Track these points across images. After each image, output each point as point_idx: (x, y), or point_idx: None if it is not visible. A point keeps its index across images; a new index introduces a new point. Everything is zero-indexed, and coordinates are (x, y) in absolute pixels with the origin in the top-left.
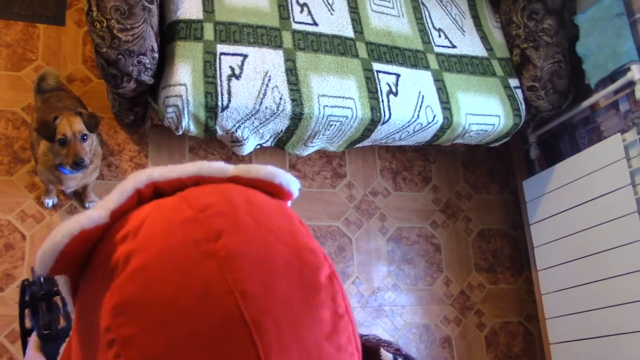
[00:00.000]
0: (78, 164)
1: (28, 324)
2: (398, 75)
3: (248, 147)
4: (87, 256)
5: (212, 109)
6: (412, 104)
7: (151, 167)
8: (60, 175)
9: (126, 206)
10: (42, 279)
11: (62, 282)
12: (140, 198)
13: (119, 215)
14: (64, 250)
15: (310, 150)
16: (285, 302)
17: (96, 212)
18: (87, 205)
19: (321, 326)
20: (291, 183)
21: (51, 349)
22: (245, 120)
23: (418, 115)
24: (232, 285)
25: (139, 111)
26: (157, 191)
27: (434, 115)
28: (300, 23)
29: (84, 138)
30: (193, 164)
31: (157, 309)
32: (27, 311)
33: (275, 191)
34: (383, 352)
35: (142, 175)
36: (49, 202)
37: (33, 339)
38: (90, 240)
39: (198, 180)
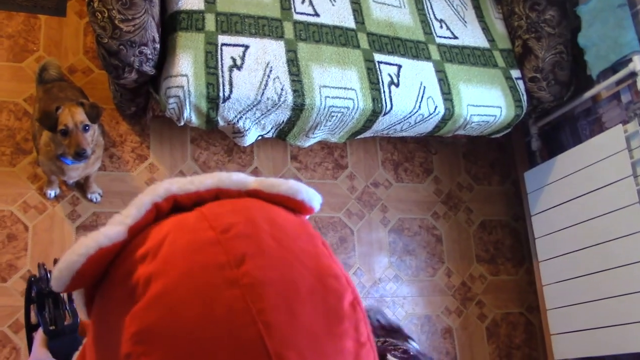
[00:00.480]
0: (80, 155)
1: (34, 319)
2: (399, 66)
3: (250, 138)
4: (105, 270)
5: (214, 100)
6: (414, 95)
7: (168, 178)
8: (63, 166)
9: (144, 221)
10: (48, 275)
11: (77, 293)
12: (159, 212)
13: (137, 230)
14: (81, 269)
15: (311, 141)
16: (309, 333)
17: (114, 229)
18: (89, 196)
19: (344, 356)
20: (313, 199)
21: (57, 345)
22: (247, 111)
23: (419, 107)
24: (256, 315)
25: (141, 102)
26: (176, 204)
27: (436, 106)
28: (302, 14)
29: (85, 128)
30: (212, 175)
31: (178, 338)
32: (32, 307)
33: (296, 207)
34: (390, 358)
35: (160, 189)
36: (52, 193)
37: (39, 335)
38: (107, 258)
39: (217, 194)
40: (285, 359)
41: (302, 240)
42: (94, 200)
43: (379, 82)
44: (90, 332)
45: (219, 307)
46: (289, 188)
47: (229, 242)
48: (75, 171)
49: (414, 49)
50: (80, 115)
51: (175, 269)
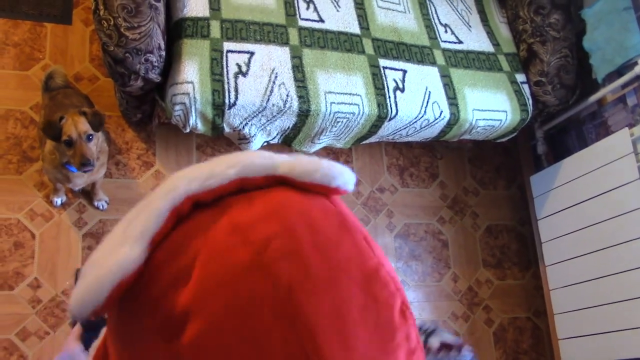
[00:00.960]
0: (85, 165)
1: None
2: (405, 71)
3: (255, 145)
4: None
5: (220, 107)
6: (419, 100)
7: (183, 170)
8: (68, 173)
9: (164, 229)
10: None
11: None
12: (179, 215)
13: (158, 242)
14: (104, 305)
15: (317, 147)
16: (364, 358)
17: (134, 252)
18: (96, 204)
19: None
20: (348, 182)
21: (91, 337)
22: (253, 118)
23: (425, 111)
24: (312, 354)
25: (147, 109)
26: (196, 199)
27: (441, 111)
28: (307, 20)
29: (89, 138)
30: (234, 161)
31: None
32: None
33: (330, 192)
34: None
35: (178, 190)
36: (58, 200)
37: (76, 328)
38: (130, 283)
39: (241, 183)
40: None
41: (345, 244)
42: (101, 207)
43: (384, 87)
44: (114, 348)
45: (271, 351)
46: (324, 175)
47: (271, 267)
48: (80, 178)
49: (419, 54)
50: (84, 125)
51: (215, 304)
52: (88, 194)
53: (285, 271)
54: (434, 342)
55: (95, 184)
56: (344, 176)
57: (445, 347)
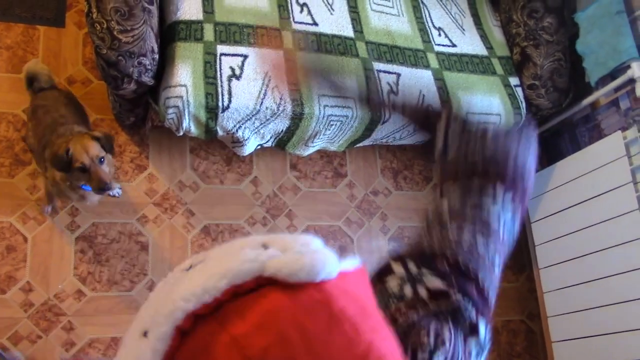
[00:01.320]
0: (103, 189)
1: None
2: (398, 75)
3: (249, 148)
4: None
5: (213, 110)
6: (413, 104)
7: (180, 287)
8: (85, 193)
9: (172, 349)
10: None
11: None
12: (182, 331)
13: None
14: None
15: (311, 150)
16: None
17: None
18: (111, 193)
19: None
20: (333, 272)
21: None
22: (246, 121)
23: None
24: None
25: (140, 112)
26: (195, 314)
27: None
28: (300, 23)
29: (101, 161)
30: (224, 272)
31: None
32: None
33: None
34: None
35: (178, 312)
36: (49, 209)
37: None
38: None
39: (235, 291)
40: None
41: (336, 339)
42: (118, 195)
43: (378, 90)
44: None
45: None
46: (309, 273)
47: None
48: (97, 195)
49: (413, 57)
50: (95, 149)
51: None
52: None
53: None
54: (422, 291)
55: None
56: (328, 267)
57: (435, 295)
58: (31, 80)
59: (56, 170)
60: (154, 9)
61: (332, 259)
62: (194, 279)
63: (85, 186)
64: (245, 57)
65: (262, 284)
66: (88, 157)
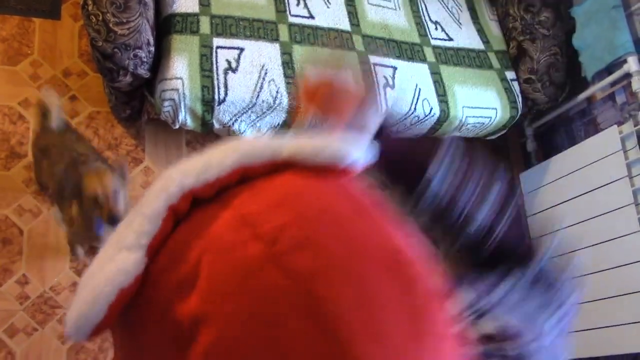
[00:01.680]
0: (115, 222)
1: None
2: (395, 68)
3: None
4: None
5: (209, 103)
6: (409, 97)
7: (177, 166)
8: (97, 236)
9: (162, 232)
10: None
11: None
12: (176, 214)
13: (156, 247)
14: (103, 321)
15: None
16: (399, 349)
17: (130, 259)
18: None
19: (436, 349)
20: (361, 160)
21: None
22: (242, 114)
23: (415, 108)
24: (341, 351)
25: (136, 105)
26: (194, 196)
27: (431, 108)
28: (297, 16)
29: (115, 193)
30: (232, 149)
31: None
32: None
33: (341, 173)
34: None
35: (173, 186)
36: (82, 251)
37: None
38: (130, 294)
39: (242, 174)
40: None
41: (362, 228)
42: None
43: (374, 84)
44: (120, 351)
45: (295, 351)
46: (332, 155)
47: (286, 259)
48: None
49: (409, 51)
50: (109, 181)
51: (227, 309)
52: None
53: (303, 263)
54: (487, 326)
55: None
56: (354, 153)
57: (492, 338)
58: (44, 114)
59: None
60: (150, 1)
61: (359, 148)
62: (198, 157)
63: (98, 224)
64: (242, 50)
65: (275, 171)
66: (101, 190)
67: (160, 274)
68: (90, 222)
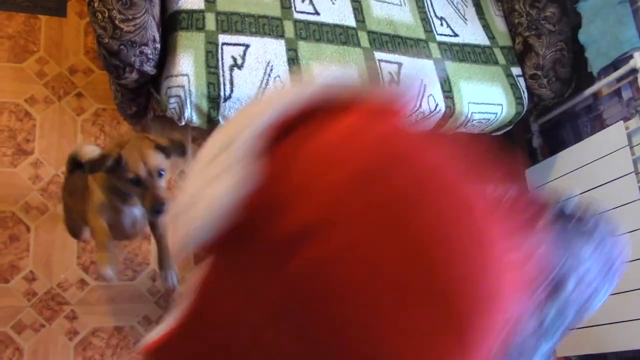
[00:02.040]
0: (159, 211)
1: None
2: (400, 64)
3: None
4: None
5: (215, 99)
6: (415, 93)
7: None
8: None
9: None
10: None
11: None
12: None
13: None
14: (222, 230)
15: None
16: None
17: (239, 175)
18: (165, 274)
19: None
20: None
21: None
22: None
23: (420, 104)
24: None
25: (142, 102)
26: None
27: (436, 104)
28: (302, 12)
29: (161, 174)
30: (301, 91)
31: None
32: None
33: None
34: None
35: (261, 118)
36: (110, 271)
37: None
38: (242, 207)
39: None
40: None
41: (432, 161)
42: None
43: (379, 80)
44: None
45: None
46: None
47: (392, 174)
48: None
49: (415, 47)
50: (155, 159)
51: (348, 211)
52: None
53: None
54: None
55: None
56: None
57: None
58: (75, 162)
59: (91, 171)
60: None
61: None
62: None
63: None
64: (247, 46)
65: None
66: (145, 169)
67: (258, 194)
68: (119, 216)
